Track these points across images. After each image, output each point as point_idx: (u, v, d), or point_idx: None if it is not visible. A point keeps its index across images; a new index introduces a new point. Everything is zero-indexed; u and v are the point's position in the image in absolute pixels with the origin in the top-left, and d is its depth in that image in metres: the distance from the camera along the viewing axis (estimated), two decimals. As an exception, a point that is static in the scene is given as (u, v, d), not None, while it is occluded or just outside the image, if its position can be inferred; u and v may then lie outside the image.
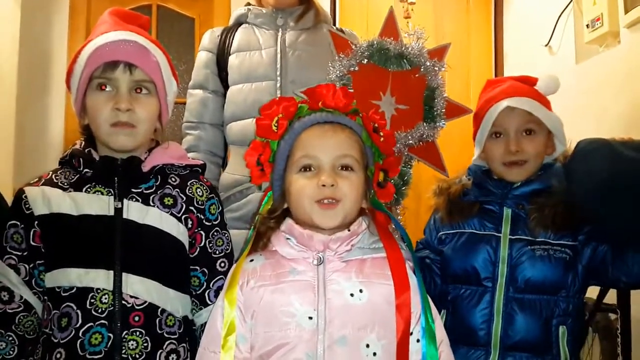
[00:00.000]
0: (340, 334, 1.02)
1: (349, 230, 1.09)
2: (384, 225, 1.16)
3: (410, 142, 1.60)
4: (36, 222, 1.15)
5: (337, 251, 1.08)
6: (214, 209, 1.26)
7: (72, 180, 1.18)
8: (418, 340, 1.08)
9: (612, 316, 1.87)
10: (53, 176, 1.20)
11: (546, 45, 2.93)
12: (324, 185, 1.06)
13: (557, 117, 1.40)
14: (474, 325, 1.32)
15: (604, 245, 1.28)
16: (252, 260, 1.12)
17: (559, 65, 2.79)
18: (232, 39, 1.75)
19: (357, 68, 1.58)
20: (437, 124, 1.64)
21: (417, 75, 1.64)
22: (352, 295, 1.05)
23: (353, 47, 1.60)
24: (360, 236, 1.11)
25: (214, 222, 1.26)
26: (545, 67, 2.87)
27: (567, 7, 2.77)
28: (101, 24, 1.21)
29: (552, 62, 2.90)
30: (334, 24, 3.16)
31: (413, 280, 1.10)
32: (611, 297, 1.78)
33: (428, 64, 1.63)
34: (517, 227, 1.34)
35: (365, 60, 1.59)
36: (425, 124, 1.63)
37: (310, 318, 1.03)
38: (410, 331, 1.06)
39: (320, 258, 1.08)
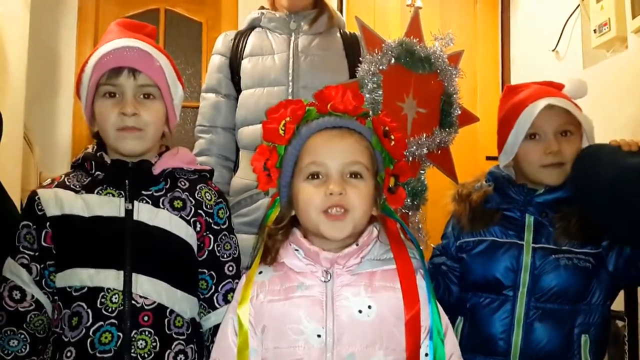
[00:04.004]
0: (348, 352, 1.01)
1: (357, 245, 1.07)
2: (395, 232, 1.13)
3: (432, 146, 1.58)
4: (48, 223, 1.17)
5: (346, 265, 1.06)
6: (222, 213, 1.27)
7: (84, 183, 1.20)
8: (427, 355, 1.06)
9: (620, 323, 1.86)
10: (65, 179, 1.22)
11: (553, 50, 2.93)
12: (331, 194, 1.04)
13: (591, 120, 1.36)
14: (494, 335, 1.29)
15: (627, 247, 1.27)
16: (260, 273, 1.11)
17: (567, 70, 2.79)
18: (245, 43, 1.75)
19: (386, 67, 1.55)
20: (452, 130, 1.64)
21: (435, 80, 1.63)
22: (360, 311, 1.03)
23: (383, 45, 1.57)
24: (370, 247, 1.09)
25: (222, 226, 1.27)
26: (553, 72, 2.87)
27: (574, 12, 2.77)
28: (108, 33, 1.24)
29: (559, 67, 2.89)
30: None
31: (423, 292, 1.08)
32: (619, 304, 1.78)
33: (449, 68, 1.63)
34: (539, 235, 1.31)
35: (393, 60, 1.56)
36: (441, 129, 1.62)
37: (319, 336, 1.02)
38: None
39: (329, 274, 1.06)
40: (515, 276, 1.30)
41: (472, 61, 3.48)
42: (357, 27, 1.66)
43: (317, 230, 1.06)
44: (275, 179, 1.14)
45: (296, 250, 1.09)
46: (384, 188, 1.15)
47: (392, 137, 1.14)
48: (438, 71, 1.63)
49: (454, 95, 1.65)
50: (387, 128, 1.14)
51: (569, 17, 2.81)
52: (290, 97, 1.63)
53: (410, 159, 1.55)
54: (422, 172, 1.62)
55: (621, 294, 1.77)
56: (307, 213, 1.07)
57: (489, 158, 3.21)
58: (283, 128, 1.11)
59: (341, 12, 3.44)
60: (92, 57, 1.19)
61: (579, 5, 2.72)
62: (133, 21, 1.30)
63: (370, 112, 1.45)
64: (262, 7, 1.83)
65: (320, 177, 1.07)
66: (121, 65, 1.17)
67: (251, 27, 1.79)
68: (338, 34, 1.78)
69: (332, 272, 1.06)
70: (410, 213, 1.57)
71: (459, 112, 1.66)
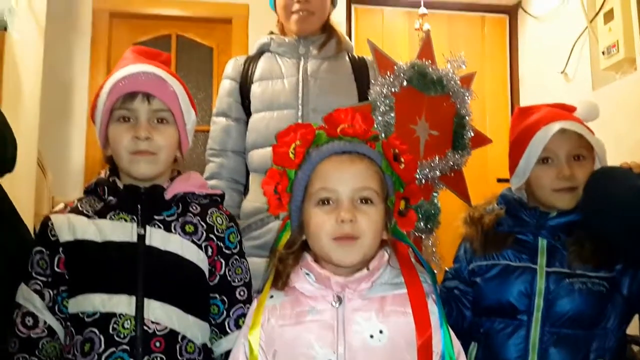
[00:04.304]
0: None
1: (368, 269, 1.07)
2: (406, 256, 1.12)
3: (445, 169, 1.57)
4: (61, 249, 1.18)
5: (357, 289, 1.06)
6: (233, 237, 1.27)
7: (97, 208, 1.21)
8: None
9: (636, 348, 1.83)
10: (78, 204, 1.23)
11: (562, 72, 2.94)
12: (342, 221, 1.04)
13: (603, 143, 1.36)
14: None
15: None
16: (272, 297, 1.10)
17: (576, 91, 2.80)
18: (255, 67, 1.77)
19: (398, 89, 1.55)
20: (465, 152, 1.63)
21: (448, 102, 1.63)
22: (371, 336, 1.02)
23: (395, 67, 1.57)
24: (380, 271, 1.08)
25: (233, 251, 1.27)
26: (562, 94, 2.88)
27: (582, 34, 2.78)
28: (123, 60, 1.26)
29: (569, 88, 2.90)
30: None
31: (435, 317, 1.07)
32: (634, 328, 1.75)
33: (461, 90, 1.63)
34: (553, 259, 1.30)
35: (405, 82, 1.56)
36: (454, 151, 1.62)
37: None
38: None
39: (340, 298, 1.05)
40: (529, 301, 1.29)
41: (481, 83, 3.50)
42: (366, 51, 1.68)
43: (328, 257, 1.06)
44: (285, 203, 1.14)
45: (307, 274, 1.09)
46: (394, 211, 1.14)
47: (402, 160, 1.14)
48: (450, 93, 1.63)
49: (467, 117, 1.65)
50: (397, 151, 1.14)
51: (577, 39, 2.82)
52: (300, 120, 1.64)
53: (423, 181, 1.55)
54: (435, 194, 1.61)
55: (636, 317, 1.75)
56: (318, 239, 1.07)
57: (500, 180, 3.21)
58: (293, 152, 1.11)
59: (350, 35, 3.48)
60: (107, 82, 1.21)
61: (587, 27, 2.74)
62: (148, 48, 1.32)
63: (383, 135, 1.46)
64: (272, 32, 1.85)
65: (331, 202, 1.07)
66: (136, 90, 1.19)
67: (261, 52, 1.81)
68: (347, 58, 1.79)
69: (343, 296, 1.05)
70: (423, 236, 1.56)
71: (472, 134, 1.65)
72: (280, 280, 1.10)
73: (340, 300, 1.05)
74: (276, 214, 1.17)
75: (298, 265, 1.11)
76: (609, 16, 2.52)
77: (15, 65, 2.34)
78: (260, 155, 1.68)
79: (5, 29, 2.20)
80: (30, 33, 2.53)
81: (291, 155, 1.11)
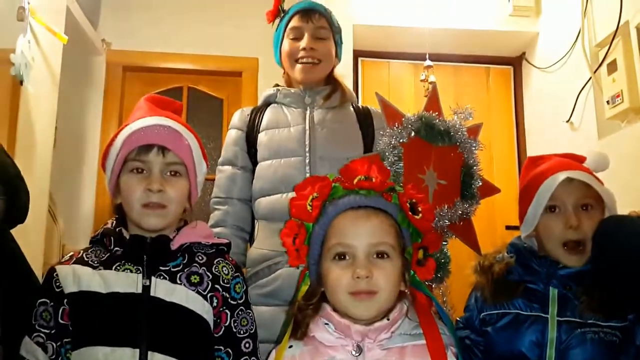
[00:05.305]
0: None
1: (388, 320, 1.06)
2: (425, 307, 1.11)
3: (454, 218, 1.57)
4: (65, 300, 1.16)
5: (377, 339, 1.05)
6: (239, 287, 1.26)
7: (103, 259, 1.20)
8: None
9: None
10: (84, 255, 1.22)
11: (567, 122, 2.96)
12: (358, 277, 1.04)
13: (612, 194, 1.36)
14: None
15: None
16: (290, 347, 1.09)
17: (582, 141, 2.80)
18: (262, 117, 1.79)
19: (406, 140, 1.57)
20: (474, 201, 1.64)
21: (455, 152, 1.64)
22: None
23: (403, 119, 1.60)
24: (400, 322, 1.08)
25: (239, 301, 1.25)
26: (568, 143, 2.89)
27: (586, 84, 2.81)
28: (137, 109, 1.28)
29: (574, 138, 2.91)
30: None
31: None
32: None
33: (469, 141, 1.65)
34: (564, 308, 1.28)
35: (413, 133, 1.58)
36: (463, 200, 1.62)
37: None
38: None
39: (360, 348, 1.05)
40: (541, 351, 1.26)
41: (488, 133, 3.52)
42: (373, 102, 1.71)
43: (346, 311, 1.06)
44: (303, 255, 1.14)
45: (326, 324, 1.08)
46: (413, 262, 1.14)
47: (420, 209, 1.14)
48: (458, 144, 1.65)
49: (475, 167, 1.66)
50: (413, 200, 1.14)
51: (582, 89, 2.85)
52: (307, 168, 1.66)
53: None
54: (444, 243, 1.61)
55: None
56: (335, 294, 1.07)
57: (508, 227, 3.19)
58: (310, 205, 1.12)
59: (357, 87, 3.54)
60: (122, 132, 1.22)
61: (590, 78, 2.77)
62: (162, 97, 1.34)
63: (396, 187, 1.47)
64: (277, 85, 1.88)
65: (347, 257, 1.07)
66: (151, 143, 1.20)
67: (267, 103, 1.84)
68: (351, 108, 1.82)
69: (363, 346, 1.05)
70: (434, 285, 1.54)
71: (480, 183, 1.66)
72: (299, 330, 1.10)
73: (360, 349, 1.04)
74: (295, 265, 1.17)
75: (317, 315, 1.10)
76: (612, 67, 2.55)
77: (29, 117, 2.40)
78: (268, 202, 1.69)
79: (21, 82, 2.27)
80: (45, 86, 2.60)
81: (308, 208, 1.12)
